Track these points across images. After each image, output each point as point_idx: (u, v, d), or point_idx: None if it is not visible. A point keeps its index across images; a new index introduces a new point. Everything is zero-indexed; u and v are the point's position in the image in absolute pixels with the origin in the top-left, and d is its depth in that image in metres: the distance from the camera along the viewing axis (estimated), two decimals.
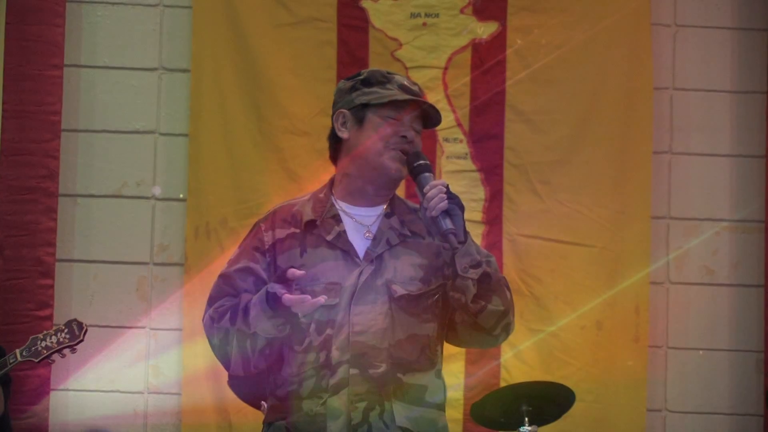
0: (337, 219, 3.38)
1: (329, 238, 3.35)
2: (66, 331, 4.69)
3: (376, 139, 3.36)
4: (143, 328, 5.68)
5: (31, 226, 5.53)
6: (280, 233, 3.38)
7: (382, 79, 3.40)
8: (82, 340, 4.68)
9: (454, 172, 5.69)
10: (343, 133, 3.44)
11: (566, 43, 5.70)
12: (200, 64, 5.68)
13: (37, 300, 5.51)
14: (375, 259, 3.33)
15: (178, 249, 5.70)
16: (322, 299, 3.18)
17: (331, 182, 3.51)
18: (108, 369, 5.64)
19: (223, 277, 3.42)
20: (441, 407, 3.39)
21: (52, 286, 5.55)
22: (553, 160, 5.70)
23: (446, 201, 3.21)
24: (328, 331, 3.27)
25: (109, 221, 5.71)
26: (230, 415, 5.56)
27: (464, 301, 3.26)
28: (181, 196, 5.70)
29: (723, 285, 5.81)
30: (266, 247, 3.38)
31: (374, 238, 3.36)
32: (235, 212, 5.65)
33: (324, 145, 5.74)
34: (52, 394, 5.55)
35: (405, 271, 3.33)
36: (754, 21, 5.88)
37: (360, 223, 3.39)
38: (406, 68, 5.71)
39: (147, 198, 5.73)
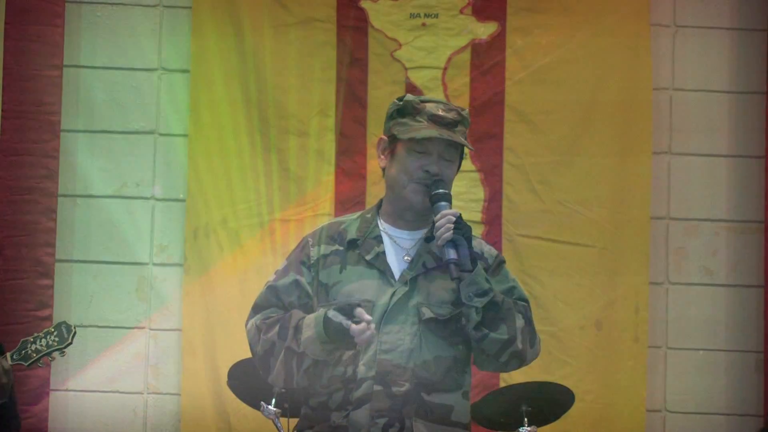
0: (378, 240, 3.51)
1: (368, 257, 3.48)
2: (55, 333, 4.67)
3: (401, 171, 3.48)
4: (143, 328, 5.68)
5: (31, 227, 5.53)
6: (326, 249, 3.52)
7: (413, 111, 3.49)
8: (71, 343, 4.66)
9: None
10: (381, 161, 3.55)
11: (566, 43, 5.70)
12: (200, 64, 5.69)
13: (37, 300, 5.51)
14: (409, 281, 3.45)
15: (177, 249, 5.70)
16: (375, 331, 3.32)
17: (379, 204, 3.61)
18: (107, 369, 5.64)
19: (271, 288, 3.56)
20: (467, 427, 3.50)
21: (51, 287, 5.55)
22: (552, 161, 5.71)
23: (451, 231, 3.34)
24: (358, 346, 3.37)
25: (109, 221, 5.71)
26: (229, 416, 5.56)
27: (467, 327, 3.40)
28: (181, 196, 5.70)
29: (722, 285, 5.81)
30: (311, 261, 3.52)
31: (412, 261, 3.48)
32: (234, 213, 5.65)
33: (322, 145, 5.81)
34: (52, 394, 5.55)
35: (437, 294, 3.45)
36: (754, 21, 5.88)
37: (400, 246, 3.51)
38: (406, 68, 5.72)
39: (146, 198, 5.73)
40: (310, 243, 3.56)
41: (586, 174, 5.70)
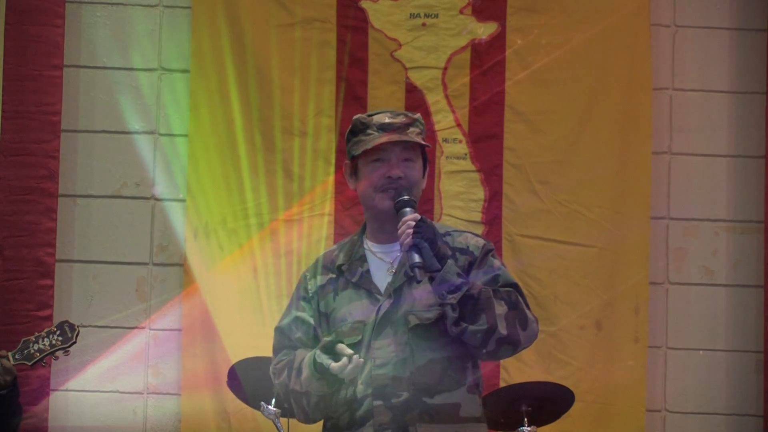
0: (362, 260, 3.60)
1: (354, 279, 3.58)
2: (58, 333, 4.66)
3: (366, 185, 3.57)
4: (143, 328, 5.68)
5: (31, 227, 5.53)
6: (322, 280, 3.64)
7: (362, 127, 3.59)
8: (75, 342, 4.66)
9: (454, 172, 5.69)
10: (351, 184, 3.65)
11: (566, 43, 5.70)
12: (200, 64, 5.69)
13: (37, 300, 5.51)
14: (393, 292, 3.52)
15: (177, 249, 5.70)
16: (361, 360, 3.43)
17: (364, 224, 3.69)
18: (107, 369, 5.64)
19: (278, 330, 3.68)
20: (479, 420, 3.57)
21: (51, 287, 5.56)
22: (552, 161, 5.71)
23: (410, 237, 3.41)
24: (346, 380, 3.47)
25: (109, 221, 5.72)
26: (229, 416, 5.56)
27: (447, 324, 3.45)
28: (181, 196, 5.70)
29: (722, 285, 5.81)
30: (310, 294, 3.64)
31: (395, 273, 3.55)
32: (234, 213, 5.65)
33: (322, 145, 5.81)
34: (52, 394, 5.55)
35: (423, 299, 3.51)
36: (753, 21, 5.88)
37: (384, 261, 3.59)
38: (406, 68, 5.72)
39: (146, 198, 5.73)
40: (307, 277, 3.67)
41: (586, 174, 5.70)
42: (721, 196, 5.84)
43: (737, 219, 5.83)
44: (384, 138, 3.52)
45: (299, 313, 3.63)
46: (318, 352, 3.45)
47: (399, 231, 3.44)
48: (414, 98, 5.69)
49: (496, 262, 3.60)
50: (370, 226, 3.63)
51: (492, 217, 5.69)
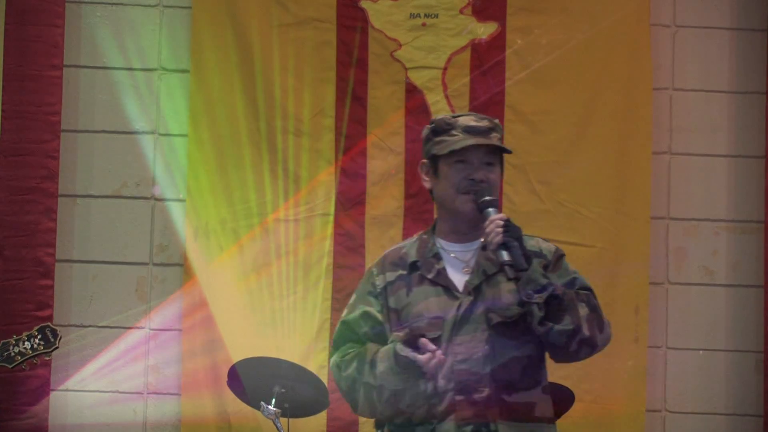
0: (437, 257, 3.63)
1: (430, 276, 3.60)
2: (39, 337, 4.63)
3: (447, 186, 3.60)
4: (143, 328, 5.68)
5: (31, 227, 5.53)
6: (390, 276, 3.66)
7: (446, 127, 3.62)
8: (57, 347, 4.64)
9: None
10: (427, 183, 3.69)
11: (566, 43, 5.70)
12: (200, 64, 5.69)
13: (37, 300, 5.51)
14: (473, 290, 3.56)
15: (177, 249, 5.70)
16: (444, 357, 3.46)
17: (434, 223, 3.72)
18: (107, 369, 5.64)
19: (344, 323, 3.70)
20: (551, 420, 3.65)
21: (51, 287, 5.56)
22: (552, 161, 5.71)
23: (501, 235, 3.45)
24: (428, 374, 3.49)
25: (109, 222, 5.72)
26: (229, 416, 5.56)
27: (532, 323, 3.48)
28: (181, 196, 5.70)
29: (722, 285, 5.81)
30: (378, 290, 3.66)
31: (472, 272, 3.58)
32: (234, 213, 5.65)
33: (322, 145, 5.81)
34: (52, 394, 5.55)
35: (503, 298, 3.54)
36: (753, 21, 5.88)
37: (459, 260, 3.62)
38: (406, 69, 5.72)
39: (146, 198, 5.74)
40: (375, 273, 3.69)
41: (586, 174, 5.70)
42: (721, 196, 5.84)
43: (737, 219, 5.83)
44: (471, 140, 3.56)
45: (368, 308, 3.64)
46: (400, 345, 3.47)
47: (487, 230, 3.47)
48: (414, 98, 5.69)
49: (571, 267, 3.65)
50: (445, 225, 3.66)
51: None
